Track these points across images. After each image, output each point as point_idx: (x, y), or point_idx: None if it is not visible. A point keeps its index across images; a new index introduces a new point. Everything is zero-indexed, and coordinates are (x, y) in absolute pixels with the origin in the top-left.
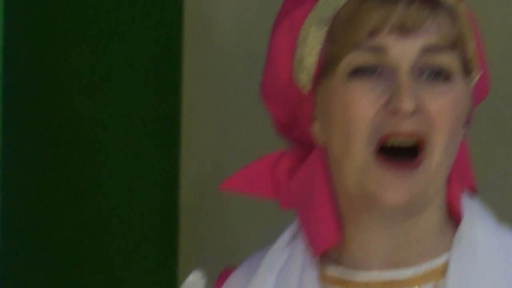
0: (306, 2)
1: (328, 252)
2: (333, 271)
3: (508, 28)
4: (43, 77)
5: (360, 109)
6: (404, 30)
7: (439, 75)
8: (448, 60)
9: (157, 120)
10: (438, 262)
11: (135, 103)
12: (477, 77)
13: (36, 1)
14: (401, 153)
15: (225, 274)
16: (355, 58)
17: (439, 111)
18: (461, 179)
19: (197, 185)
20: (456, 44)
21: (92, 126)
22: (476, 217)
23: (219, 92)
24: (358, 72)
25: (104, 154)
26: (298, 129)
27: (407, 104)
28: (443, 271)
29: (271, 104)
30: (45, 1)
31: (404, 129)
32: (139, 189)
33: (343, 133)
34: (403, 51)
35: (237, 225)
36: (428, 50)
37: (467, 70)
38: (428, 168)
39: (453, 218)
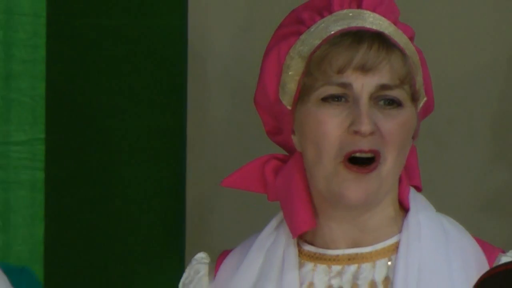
0: (290, 37)
1: (304, 236)
2: (309, 249)
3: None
4: (80, 98)
5: (329, 129)
6: (364, 69)
7: (392, 103)
8: (398, 94)
9: (167, 131)
10: (390, 242)
11: (148, 118)
12: (423, 102)
13: (72, 42)
14: (361, 161)
15: (224, 254)
16: (326, 90)
17: (390, 132)
18: (409, 178)
19: (201, 183)
20: (405, 80)
21: (115, 136)
22: (420, 207)
23: (219, 104)
24: (328, 98)
25: (123, 162)
26: (282, 135)
27: (365, 127)
28: (395, 248)
29: (261, 112)
30: (80, 42)
31: (364, 146)
32: (153, 187)
33: (316, 147)
34: (363, 86)
35: (233, 216)
36: (382, 87)
37: (414, 98)
38: (380, 173)
39: (403, 209)
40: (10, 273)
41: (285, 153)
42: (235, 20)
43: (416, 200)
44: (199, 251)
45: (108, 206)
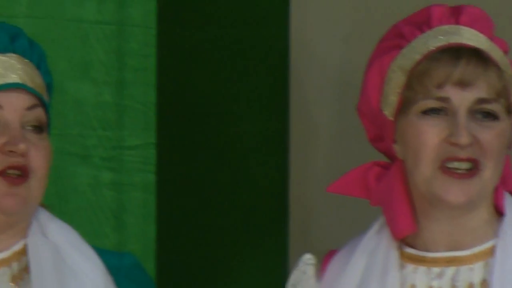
0: (392, 51)
1: (405, 239)
2: (410, 251)
3: None
4: (188, 104)
5: (428, 138)
6: (463, 84)
7: (488, 115)
8: (494, 108)
9: (272, 136)
10: (486, 245)
11: (254, 122)
12: None
13: (181, 51)
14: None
15: (330, 254)
16: (426, 103)
17: (488, 142)
18: (504, 184)
19: (304, 185)
20: (501, 94)
21: (222, 140)
22: None
23: (321, 110)
24: (428, 111)
25: (231, 164)
26: (384, 142)
27: (463, 139)
28: (490, 252)
29: (365, 120)
30: (188, 51)
31: (462, 155)
32: (259, 189)
33: (416, 154)
34: (462, 100)
35: (334, 217)
36: (480, 101)
37: (510, 110)
38: (481, 180)
39: (498, 213)
40: (110, 255)
41: (387, 159)
42: (336, 29)
43: (511, 205)
44: (302, 250)
45: (216, 207)
